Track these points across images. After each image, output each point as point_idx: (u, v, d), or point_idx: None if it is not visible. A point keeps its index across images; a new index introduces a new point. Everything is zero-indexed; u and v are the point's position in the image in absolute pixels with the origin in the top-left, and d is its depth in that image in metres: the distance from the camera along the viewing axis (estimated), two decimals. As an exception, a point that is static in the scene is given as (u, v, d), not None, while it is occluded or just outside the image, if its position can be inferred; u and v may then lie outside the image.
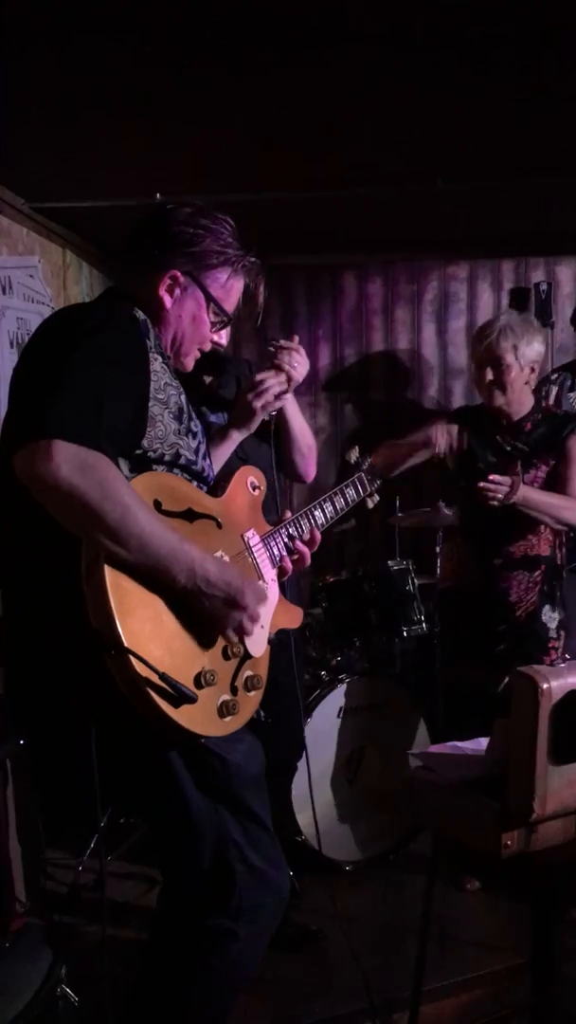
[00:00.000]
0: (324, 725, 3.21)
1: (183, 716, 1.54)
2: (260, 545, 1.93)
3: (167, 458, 1.70)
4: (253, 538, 1.91)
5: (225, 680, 1.68)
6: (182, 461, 1.74)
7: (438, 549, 3.34)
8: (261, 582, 1.87)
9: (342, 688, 3.28)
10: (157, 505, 1.63)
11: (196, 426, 1.82)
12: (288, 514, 2.08)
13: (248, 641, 1.74)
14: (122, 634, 1.47)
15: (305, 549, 2.03)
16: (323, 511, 2.20)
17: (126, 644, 1.47)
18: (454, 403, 4.62)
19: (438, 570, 3.33)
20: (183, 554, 1.57)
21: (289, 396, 2.49)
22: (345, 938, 2.58)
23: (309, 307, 4.75)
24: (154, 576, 1.55)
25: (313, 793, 3.05)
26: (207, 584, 1.60)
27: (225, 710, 1.65)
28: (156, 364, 1.71)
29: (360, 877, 3.18)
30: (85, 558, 1.51)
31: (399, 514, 3.83)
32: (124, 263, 1.89)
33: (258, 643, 1.79)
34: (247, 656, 1.75)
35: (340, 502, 2.29)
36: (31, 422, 1.50)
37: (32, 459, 1.46)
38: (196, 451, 1.79)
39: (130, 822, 3.30)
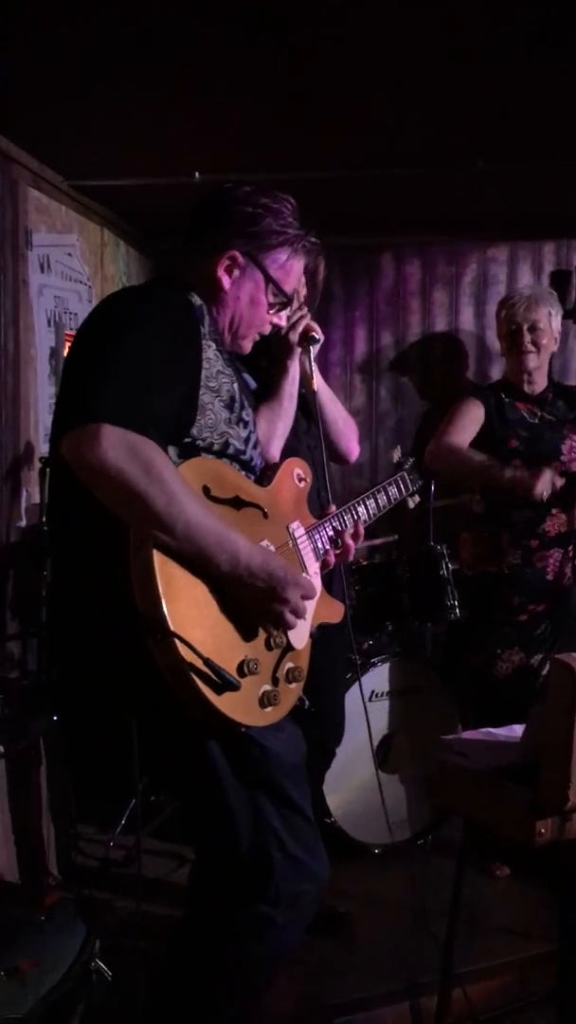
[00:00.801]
0: (355, 708, 3.20)
1: (226, 704, 1.53)
2: (305, 537, 1.91)
3: (216, 447, 1.69)
4: (298, 530, 1.90)
5: (267, 670, 1.67)
6: (231, 451, 1.72)
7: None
8: (305, 575, 1.86)
9: (374, 672, 3.28)
10: (206, 491, 1.62)
11: (248, 415, 1.79)
12: (332, 508, 2.07)
13: (291, 633, 1.73)
14: (168, 618, 1.47)
15: (351, 543, 2.02)
16: (366, 507, 2.20)
17: (172, 628, 1.46)
18: (491, 387, 4.58)
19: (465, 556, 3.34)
20: (228, 542, 1.56)
21: (321, 383, 2.46)
22: (373, 921, 2.59)
23: (345, 289, 4.72)
24: (199, 562, 1.54)
25: (343, 776, 3.07)
26: (250, 574, 1.59)
27: (267, 700, 1.64)
28: (210, 351, 1.68)
29: (389, 861, 3.18)
30: (133, 541, 1.51)
31: (433, 498, 3.81)
32: (183, 244, 1.86)
33: (300, 635, 1.77)
34: (289, 648, 1.73)
35: (383, 499, 2.30)
36: (80, 406, 1.50)
37: (79, 443, 1.45)
38: (246, 440, 1.78)
39: (161, 799, 3.33)
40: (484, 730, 2.33)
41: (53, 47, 2.61)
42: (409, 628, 3.55)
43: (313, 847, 1.79)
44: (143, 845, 3.10)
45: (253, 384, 2.11)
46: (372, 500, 2.24)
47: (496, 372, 4.62)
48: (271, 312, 1.87)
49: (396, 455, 2.57)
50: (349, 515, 2.09)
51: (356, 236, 4.60)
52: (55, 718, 2.91)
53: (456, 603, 3.44)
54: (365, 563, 3.57)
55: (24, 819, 2.71)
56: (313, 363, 2.36)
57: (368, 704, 3.27)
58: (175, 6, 2.35)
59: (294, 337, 2.35)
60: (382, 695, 3.30)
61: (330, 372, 4.67)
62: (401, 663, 3.36)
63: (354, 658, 2.81)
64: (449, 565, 3.50)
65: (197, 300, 1.71)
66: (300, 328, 2.37)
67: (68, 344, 3.90)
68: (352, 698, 3.19)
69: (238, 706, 1.56)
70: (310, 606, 1.80)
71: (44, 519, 3.28)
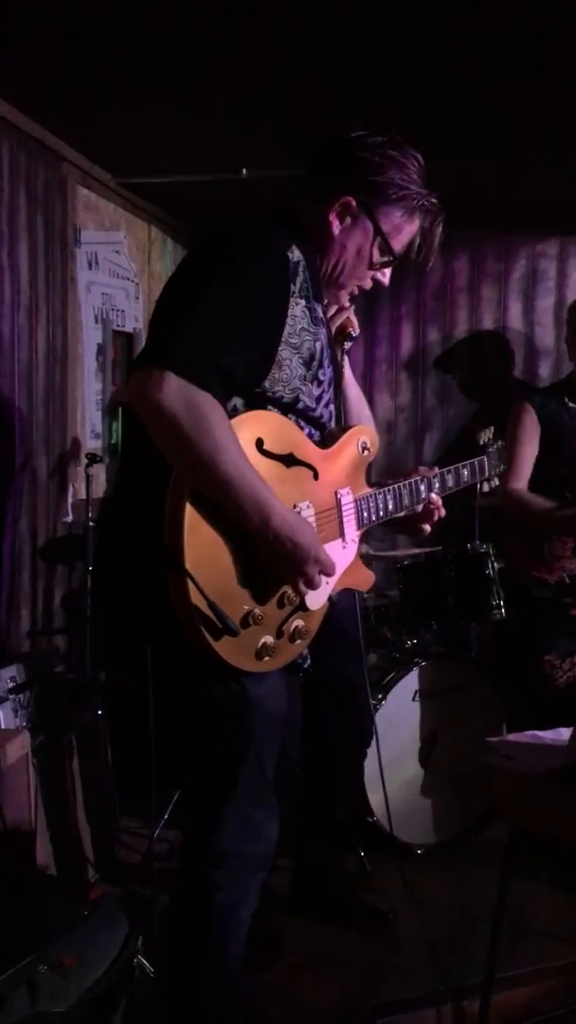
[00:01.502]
0: (398, 708, 3.19)
1: (221, 647, 1.61)
2: (351, 505, 1.90)
3: (285, 400, 1.71)
4: (346, 496, 1.88)
5: (273, 624, 1.72)
6: (300, 406, 1.74)
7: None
8: (340, 541, 1.86)
9: (417, 671, 3.25)
10: (259, 443, 1.65)
11: (324, 375, 1.79)
12: (420, 471, 2.06)
13: (309, 596, 1.76)
14: (186, 557, 1.55)
15: (435, 516, 2.06)
16: (428, 486, 2.14)
17: (187, 566, 1.55)
18: (540, 385, 4.52)
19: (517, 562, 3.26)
20: (263, 504, 1.60)
21: (350, 380, 2.43)
22: (415, 921, 2.57)
23: (392, 284, 4.65)
24: (231, 515, 1.60)
25: (385, 775, 3.05)
26: (276, 538, 1.62)
27: (264, 651, 1.70)
28: (297, 308, 1.67)
29: (432, 861, 3.16)
30: (172, 483, 1.58)
31: (480, 497, 3.77)
32: (302, 184, 1.83)
33: (317, 599, 1.80)
34: (302, 607, 1.76)
35: (451, 479, 2.23)
36: (153, 346, 1.56)
37: (144, 385, 1.51)
38: (318, 399, 1.78)
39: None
40: (530, 733, 2.31)
41: (103, 48, 2.62)
42: (454, 627, 3.52)
43: (268, 807, 1.81)
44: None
45: None
46: (452, 475, 2.19)
47: (544, 370, 4.56)
48: (374, 268, 1.84)
49: (484, 436, 2.50)
50: (407, 490, 2.05)
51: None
52: (99, 712, 2.94)
53: (502, 603, 3.40)
54: (409, 562, 3.55)
55: (67, 813, 2.74)
56: (345, 359, 2.35)
57: (412, 703, 3.25)
58: (223, 6, 2.35)
59: (329, 328, 2.33)
60: (426, 694, 3.28)
61: (376, 369, 4.64)
62: (445, 663, 3.33)
63: (364, 659, 2.78)
64: (495, 565, 3.47)
65: (296, 254, 1.68)
66: (337, 323, 2.35)
67: (115, 341, 3.93)
68: (396, 698, 3.18)
69: (233, 651, 1.63)
70: (336, 570, 1.80)
71: (90, 515, 3.30)
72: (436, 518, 2.10)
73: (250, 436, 1.64)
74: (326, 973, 2.52)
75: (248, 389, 1.65)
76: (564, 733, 2.20)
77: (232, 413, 1.63)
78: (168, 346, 1.53)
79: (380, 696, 3.08)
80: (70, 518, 3.58)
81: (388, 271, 1.90)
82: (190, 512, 1.56)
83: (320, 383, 1.77)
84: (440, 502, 2.10)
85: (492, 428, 2.57)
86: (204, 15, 2.41)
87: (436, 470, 2.14)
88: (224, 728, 1.73)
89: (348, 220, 1.77)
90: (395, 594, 3.55)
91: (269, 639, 1.70)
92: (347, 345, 2.30)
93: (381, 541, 4.10)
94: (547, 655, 3.18)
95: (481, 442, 2.49)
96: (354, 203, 1.76)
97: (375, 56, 2.69)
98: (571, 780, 1.95)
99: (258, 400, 1.67)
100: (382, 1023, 2.35)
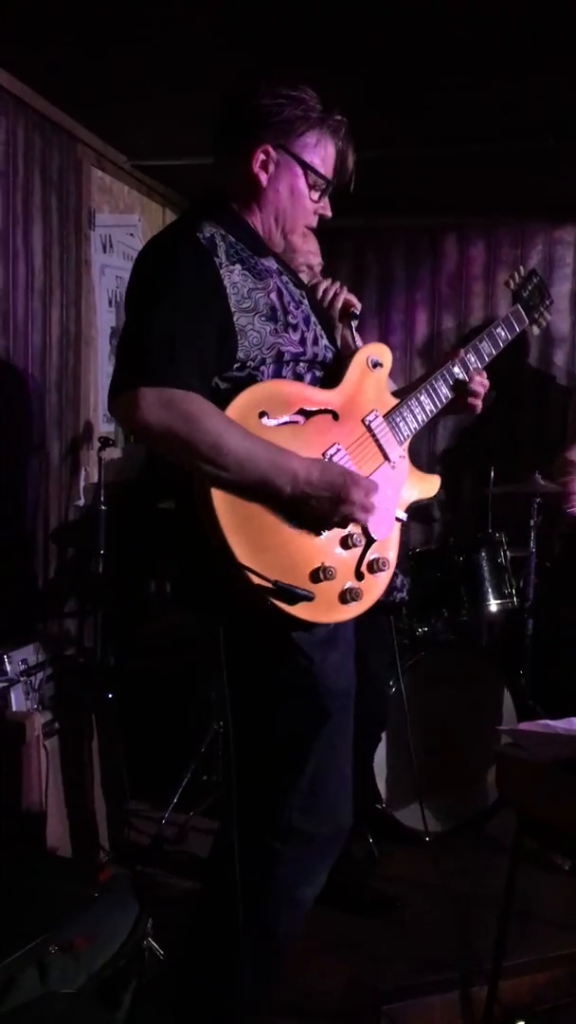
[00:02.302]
0: (408, 695, 3.19)
1: (302, 611, 1.64)
2: (384, 425, 1.88)
3: (269, 360, 1.71)
4: (375, 420, 1.86)
5: (348, 569, 1.73)
6: (287, 357, 1.74)
7: (532, 522, 3.24)
8: (387, 464, 1.87)
9: (428, 659, 3.25)
10: (263, 415, 1.67)
11: (296, 317, 1.78)
12: (459, 352, 2.04)
13: (371, 526, 1.77)
14: (234, 551, 1.58)
15: (479, 388, 2.01)
16: (478, 353, 2.09)
17: (240, 561, 1.58)
18: (554, 373, 4.49)
19: (532, 543, 3.23)
20: (285, 465, 1.63)
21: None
22: (423, 908, 2.58)
23: (408, 270, 4.66)
24: (260, 491, 1.62)
25: (395, 762, 3.05)
26: (312, 488, 1.64)
27: (349, 596, 1.71)
28: (235, 275, 1.69)
29: (440, 849, 3.16)
30: (196, 484, 1.61)
31: (492, 484, 3.76)
32: (215, 155, 1.86)
33: (383, 526, 1.81)
34: (371, 541, 1.78)
35: (486, 346, 2.14)
36: (117, 374, 1.63)
37: (125, 410, 1.57)
38: (303, 341, 1.78)
39: (212, 779, 3.35)
40: (542, 722, 2.29)
41: (119, 30, 2.60)
42: (465, 615, 3.51)
43: (338, 787, 1.80)
44: (195, 824, 3.13)
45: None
46: (472, 354, 2.10)
47: (559, 358, 4.54)
48: (315, 200, 1.86)
49: (515, 280, 2.36)
50: (442, 382, 2.02)
51: (420, 217, 4.53)
52: (110, 695, 2.95)
53: (514, 591, 3.39)
54: (421, 549, 3.54)
55: (78, 795, 2.75)
56: (356, 336, 2.34)
57: (422, 691, 3.25)
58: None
59: (334, 314, 2.33)
60: (436, 682, 3.27)
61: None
62: (456, 651, 3.32)
63: (396, 652, 2.77)
64: (508, 553, 3.46)
65: (207, 231, 1.70)
66: (338, 304, 2.34)
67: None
68: (405, 686, 3.17)
69: (316, 609, 1.66)
70: (391, 494, 1.84)
71: (102, 498, 3.30)
72: (482, 391, 2.04)
73: (251, 413, 1.65)
74: (333, 959, 2.53)
75: (225, 368, 1.67)
76: (575, 722, 2.20)
77: (217, 394, 1.65)
78: (130, 363, 1.59)
79: (390, 683, 3.08)
80: (82, 502, 3.59)
81: (326, 202, 1.90)
82: (219, 505, 1.59)
83: (295, 327, 1.77)
84: (483, 374, 2.04)
85: (522, 268, 2.43)
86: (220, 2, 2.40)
87: (463, 350, 2.08)
88: (290, 705, 1.74)
89: (272, 167, 1.79)
90: (407, 581, 3.53)
91: (351, 583, 1.72)
92: (354, 323, 2.30)
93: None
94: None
95: (512, 286, 2.37)
96: (271, 149, 1.78)
97: (391, 41, 2.66)
98: (582, 770, 1.94)
99: (241, 372, 1.69)
100: (389, 1009, 2.35)
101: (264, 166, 1.79)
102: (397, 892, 2.82)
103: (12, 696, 2.57)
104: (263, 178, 1.79)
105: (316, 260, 2.69)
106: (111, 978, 1.72)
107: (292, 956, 2.45)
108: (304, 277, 2.55)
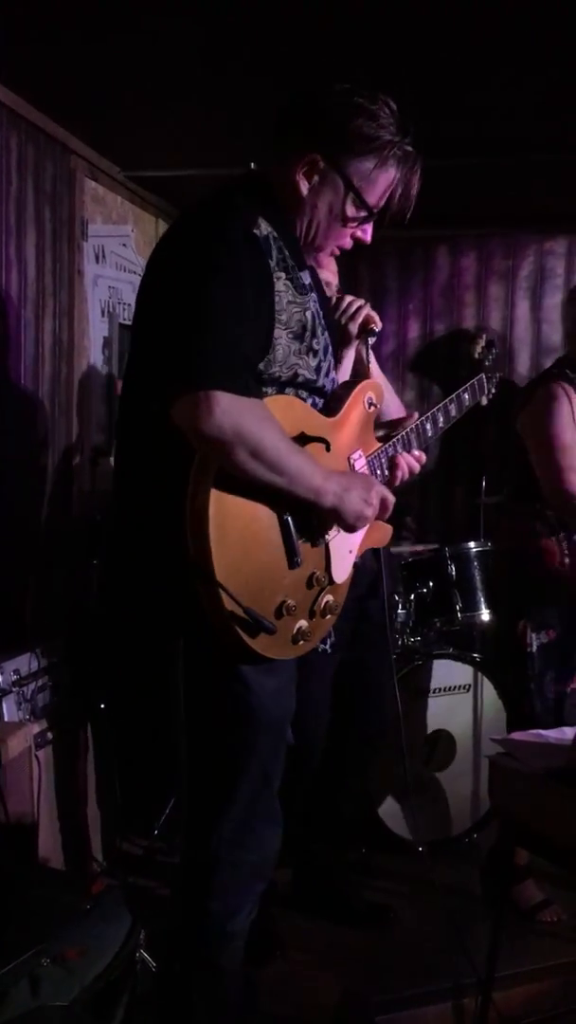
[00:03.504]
0: (402, 705, 3.18)
1: (259, 644, 1.63)
2: (364, 467, 1.90)
3: (283, 379, 1.68)
4: (359, 460, 1.88)
5: (305, 607, 1.73)
6: (299, 380, 1.71)
7: (533, 544, 2.95)
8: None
9: (420, 669, 3.25)
10: None
11: (319, 343, 1.75)
12: (414, 415, 2.04)
13: (334, 567, 1.78)
14: (215, 567, 1.55)
15: (405, 466, 1.98)
16: (434, 423, 2.11)
17: (217, 577, 1.55)
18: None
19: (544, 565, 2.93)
20: (331, 479, 1.66)
21: (377, 373, 2.45)
22: (417, 919, 2.57)
23: (400, 281, 4.68)
24: (302, 498, 1.63)
25: (389, 773, 3.05)
26: (346, 492, 1.68)
27: (300, 636, 1.71)
28: (280, 283, 1.63)
29: (434, 858, 3.16)
30: (190, 491, 1.56)
31: (484, 494, 3.77)
32: (274, 144, 1.74)
33: (342, 569, 1.82)
34: (330, 582, 1.78)
35: (453, 408, 2.19)
36: (182, 372, 1.52)
37: (190, 412, 1.50)
38: (317, 369, 1.75)
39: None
40: (534, 732, 2.30)
41: (111, 41, 2.61)
42: (458, 625, 3.51)
43: (267, 817, 1.78)
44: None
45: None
46: (442, 413, 2.15)
47: (551, 367, 4.55)
48: (351, 225, 1.75)
49: (478, 347, 2.42)
50: (414, 434, 2.03)
51: (411, 228, 4.53)
52: (103, 706, 2.94)
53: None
54: (413, 559, 3.55)
55: (70, 806, 2.74)
56: (370, 353, 2.35)
57: (415, 701, 3.26)
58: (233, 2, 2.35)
59: (353, 328, 2.34)
60: (429, 692, 3.28)
61: (382, 365, 4.62)
62: (449, 661, 3.33)
63: (391, 659, 2.77)
64: (499, 563, 3.46)
65: (264, 228, 1.62)
66: (360, 319, 2.35)
67: (121, 335, 3.92)
68: (399, 696, 3.17)
69: (271, 645, 1.65)
70: (354, 538, 1.84)
71: (96, 509, 3.30)
72: (401, 474, 2.00)
73: None
74: (327, 970, 2.53)
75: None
76: (568, 732, 2.20)
77: None
78: (195, 362, 1.50)
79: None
80: (75, 512, 3.58)
81: (369, 228, 1.81)
82: (215, 523, 1.55)
83: (315, 353, 1.73)
84: (421, 457, 2.03)
85: (484, 336, 2.48)
86: (215, 10, 2.40)
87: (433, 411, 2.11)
88: (224, 732, 1.71)
89: (316, 178, 1.68)
90: (399, 591, 3.54)
91: (303, 623, 1.72)
92: (371, 340, 2.32)
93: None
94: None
95: (476, 355, 2.41)
96: (320, 160, 1.67)
97: (384, 54, 2.68)
98: (573, 779, 1.94)
99: (256, 383, 1.64)
100: (383, 1020, 2.35)
101: (307, 175, 1.69)
102: (390, 902, 2.82)
103: (4, 706, 2.56)
104: (303, 186, 1.69)
105: (334, 280, 2.67)
106: (104, 991, 1.71)
107: (283, 967, 2.47)
108: None
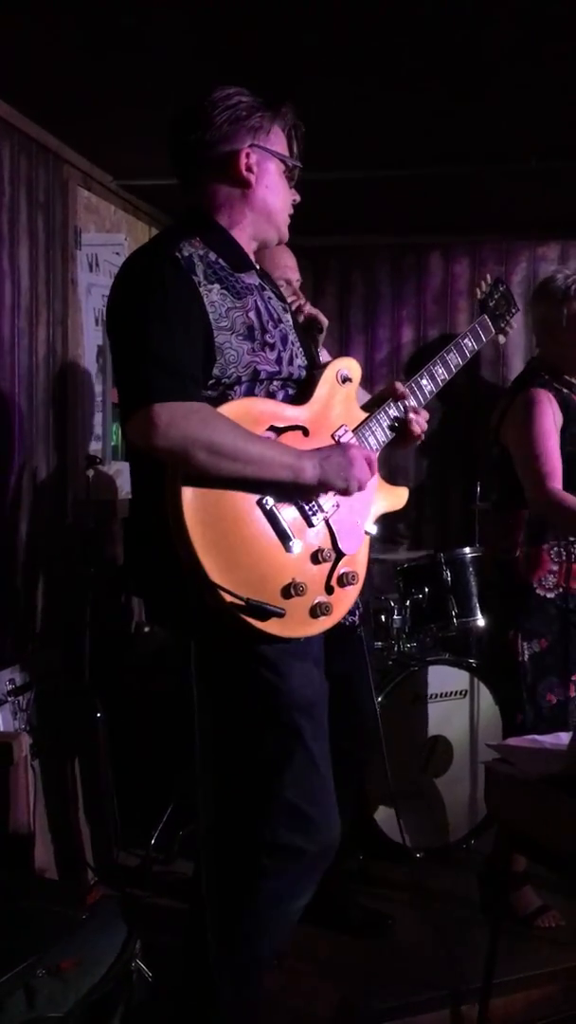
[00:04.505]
0: (397, 712, 3.19)
1: (273, 627, 1.67)
2: (353, 440, 1.91)
3: (244, 378, 1.76)
4: (345, 435, 1.89)
5: (318, 583, 1.76)
6: (263, 375, 1.79)
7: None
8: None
9: (416, 675, 3.25)
10: None
11: (273, 336, 1.83)
12: (398, 385, 2.03)
13: (340, 540, 1.81)
14: (206, 569, 1.61)
15: (415, 428, 2.01)
16: (432, 378, 2.10)
17: (211, 578, 1.60)
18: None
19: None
20: (305, 455, 1.73)
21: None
22: (414, 926, 2.57)
23: (393, 287, 4.69)
24: (283, 480, 1.70)
25: (386, 779, 3.04)
26: (325, 460, 1.75)
27: (319, 611, 1.74)
28: (213, 294, 1.73)
29: (432, 865, 3.16)
30: (168, 501, 1.63)
31: (479, 499, 3.77)
32: (181, 176, 1.93)
33: (352, 540, 1.84)
34: (340, 555, 1.81)
35: (454, 359, 2.16)
36: (125, 397, 1.68)
37: (139, 429, 1.62)
38: (279, 360, 1.83)
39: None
40: (530, 737, 2.30)
41: (104, 51, 2.62)
42: (453, 631, 3.51)
43: (323, 800, 1.78)
44: (183, 845, 3.11)
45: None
46: (440, 366, 2.13)
47: (545, 373, 4.55)
48: (291, 186, 1.95)
49: (482, 288, 2.37)
50: (413, 392, 2.05)
51: (405, 235, 4.56)
52: (98, 715, 2.93)
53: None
54: (408, 565, 3.55)
55: (65, 816, 2.73)
56: (321, 349, 2.35)
57: (410, 707, 3.25)
58: (224, 8, 2.35)
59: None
60: (425, 698, 3.27)
61: (376, 371, 4.64)
62: (445, 666, 3.32)
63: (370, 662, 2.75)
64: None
65: (186, 249, 1.75)
66: (301, 318, 2.36)
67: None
68: (395, 702, 3.17)
69: (287, 625, 1.69)
70: (362, 507, 1.88)
71: (88, 517, 3.30)
72: (419, 430, 2.02)
73: None
74: (323, 979, 2.52)
75: (204, 384, 1.72)
76: (563, 738, 2.20)
77: None
78: (136, 384, 1.65)
79: (380, 700, 3.07)
80: (70, 521, 3.58)
81: (294, 188, 1.98)
82: (192, 522, 1.61)
83: (271, 346, 1.82)
84: (422, 413, 2.05)
85: (488, 276, 2.44)
86: (205, 19, 2.41)
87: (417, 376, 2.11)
88: (263, 720, 1.75)
89: (255, 168, 1.86)
90: (394, 597, 3.54)
91: (320, 598, 1.75)
92: (320, 337, 2.32)
93: (380, 543, 4.10)
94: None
95: (480, 295, 2.34)
96: (249, 152, 1.85)
97: (375, 63, 2.69)
98: (570, 785, 1.94)
99: (215, 391, 1.73)
100: (380, 1028, 2.34)
101: (250, 168, 1.85)
102: (387, 910, 2.81)
103: (-1, 716, 2.56)
104: (252, 179, 1.85)
105: (295, 276, 2.71)
106: (99, 1002, 1.70)
107: (281, 977, 2.46)
108: (285, 292, 2.56)
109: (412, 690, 3.25)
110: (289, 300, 2.46)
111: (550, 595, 2.72)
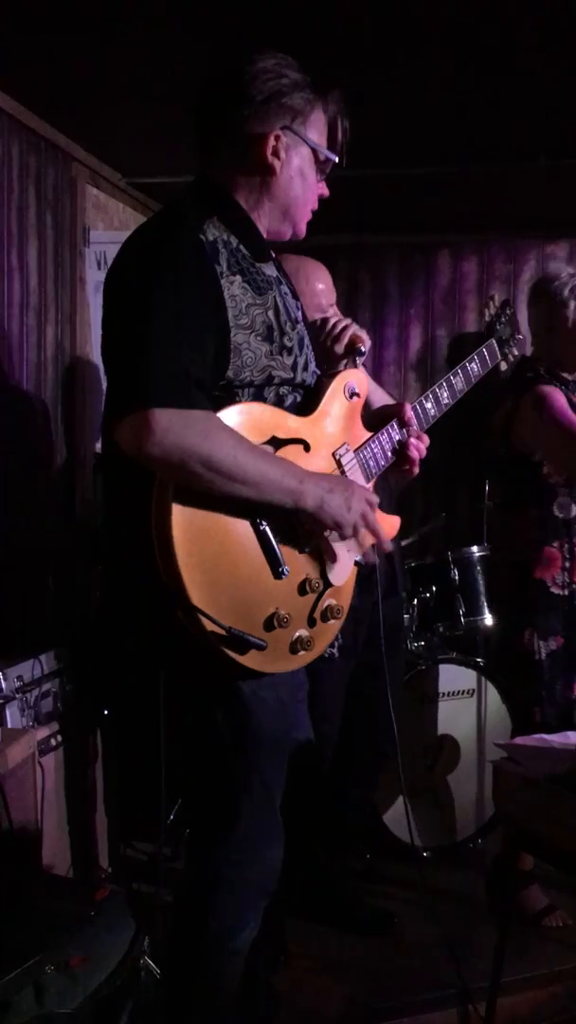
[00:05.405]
0: (406, 710, 3.19)
1: (252, 660, 1.56)
2: (353, 460, 1.80)
3: (257, 382, 1.63)
4: (346, 454, 1.78)
5: (302, 616, 1.66)
6: (276, 380, 1.66)
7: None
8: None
9: (424, 674, 3.25)
10: None
11: (291, 339, 1.69)
12: (407, 407, 1.93)
13: (329, 570, 1.70)
14: (189, 593, 1.49)
15: (413, 453, 1.90)
16: (436, 401, 2.03)
17: (194, 603, 1.49)
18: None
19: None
20: (299, 473, 1.59)
21: (369, 390, 2.41)
22: (421, 925, 2.57)
23: (401, 287, 4.68)
24: (276, 505, 1.56)
25: (394, 778, 3.04)
26: (329, 493, 1.61)
27: (299, 646, 1.64)
28: (234, 287, 1.59)
29: (439, 864, 3.16)
30: (154, 514, 1.50)
31: (488, 497, 3.77)
32: (205, 146, 1.74)
33: (341, 571, 1.73)
34: (327, 586, 1.70)
35: (459, 383, 2.10)
36: (119, 394, 1.52)
37: (132, 433, 1.46)
38: (294, 367, 1.69)
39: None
40: (537, 736, 2.30)
41: (111, 47, 2.62)
42: (461, 630, 3.50)
43: (271, 836, 1.75)
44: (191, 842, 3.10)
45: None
46: (445, 390, 2.06)
47: (553, 372, 4.55)
48: (320, 179, 1.78)
49: (491, 309, 2.36)
50: (416, 415, 1.95)
51: (413, 234, 4.56)
52: (106, 712, 2.94)
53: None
54: (415, 564, 3.55)
55: (79, 811, 2.74)
56: (361, 368, 2.32)
57: (419, 706, 3.25)
58: (233, 6, 2.35)
59: (339, 349, 2.30)
60: (433, 697, 3.27)
61: (384, 370, 4.64)
62: (453, 665, 3.32)
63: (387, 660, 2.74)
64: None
65: (211, 232, 1.60)
66: (346, 338, 2.31)
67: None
68: (403, 702, 3.17)
69: (267, 659, 1.58)
70: (351, 538, 1.74)
71: (98, 515, 3.30)
72: (417, 456, 1.93)
73: None
74: (330, 977, 2.52)
75: (214, 386, 1.58)
76: (572, 737, 2.20)
77: None
78: (135, 381, 1.48)
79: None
80: (78, 518, 3.58)
81: (324, 182, 1.82)
82: (182, 546, 1.49)
83: (289, 350, 1.68)
84: (424, 439, 1.95)
85: (496, 297, 2.43)
86: (214, 16, 2.41)
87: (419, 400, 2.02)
88: (223, 756, 1.67)
89: (283, 153, 1.69)
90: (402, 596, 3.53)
91: (302, 632, 1.64)
92: (359, 360, 2.27)
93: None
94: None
95: (487, 317, 2.35)
96: (280, 135, 1.68)
97: (383, 60, 2.69)
98: (579, 785, 1.94)
99: (228, 392, 1.60)
100: (387, 1027, 2.35)
101: (276, 152, 1.68)
102: (394, 909, 2.81)
103: (7, 713, 2.56)
104: (277, 165, 1.69)
105: (330, 300, 2.57)
106: (108, 998, 1.71)
107: (288, 975, 2.46)
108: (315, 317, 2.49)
109: (420, 689, 3.25)
110: (323, 317, 2.36)
111: (564, 592, 2.73)
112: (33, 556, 3.27)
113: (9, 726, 2.53)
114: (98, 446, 3.71)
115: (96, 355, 3.74)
